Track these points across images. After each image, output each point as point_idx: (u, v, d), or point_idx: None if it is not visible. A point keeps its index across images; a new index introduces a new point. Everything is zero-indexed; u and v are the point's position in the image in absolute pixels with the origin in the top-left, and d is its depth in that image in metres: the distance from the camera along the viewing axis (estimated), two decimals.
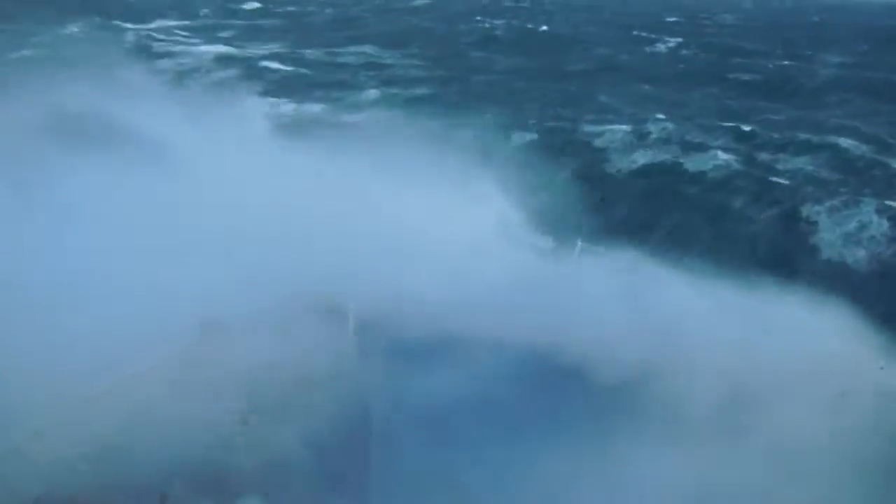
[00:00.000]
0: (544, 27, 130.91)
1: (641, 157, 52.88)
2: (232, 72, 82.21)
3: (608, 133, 58.55)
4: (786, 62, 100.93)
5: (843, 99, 78.31)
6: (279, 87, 76.02)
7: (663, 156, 53.26)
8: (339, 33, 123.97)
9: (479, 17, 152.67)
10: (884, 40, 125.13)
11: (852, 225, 40.16)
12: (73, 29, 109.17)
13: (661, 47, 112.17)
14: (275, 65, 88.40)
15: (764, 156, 54.01)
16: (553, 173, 46.90)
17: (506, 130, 57.10)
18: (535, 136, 57.65)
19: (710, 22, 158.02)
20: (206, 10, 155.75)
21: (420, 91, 76.12)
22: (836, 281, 32.58)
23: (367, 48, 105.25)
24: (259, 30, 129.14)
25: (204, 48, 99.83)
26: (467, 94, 75.08)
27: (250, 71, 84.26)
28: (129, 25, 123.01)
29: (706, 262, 18.45)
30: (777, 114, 70.33)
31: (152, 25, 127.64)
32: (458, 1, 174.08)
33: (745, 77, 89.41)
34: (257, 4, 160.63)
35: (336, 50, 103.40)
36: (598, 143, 56.62)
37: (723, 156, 53.00)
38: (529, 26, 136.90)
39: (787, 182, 48.24)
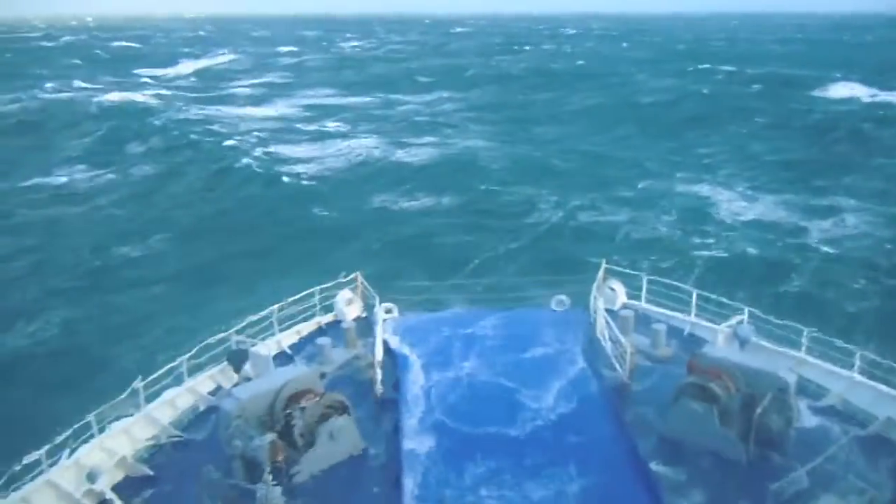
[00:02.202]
0: (581, 61, 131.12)
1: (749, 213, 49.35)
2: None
3: (704, 191, 56.19)
4: (874, 92, 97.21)
5: None
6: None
7: (773, 218, 49.04)
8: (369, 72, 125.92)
9: (515, 46, 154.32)
10: None
11: None
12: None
13: (719, 75, 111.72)
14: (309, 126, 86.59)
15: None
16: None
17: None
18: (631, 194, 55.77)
19: (758, 41, 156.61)
20: (224, 50, 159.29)
21: (485, 143, 75.26)
22: None
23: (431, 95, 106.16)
24: (292, 73, 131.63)
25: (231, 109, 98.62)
26: (538, 144, 74.48)
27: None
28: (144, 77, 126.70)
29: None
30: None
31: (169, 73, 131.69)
32: (495, 31, 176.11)
33: (835, 109, 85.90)
34: (289, 48, 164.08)
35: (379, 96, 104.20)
36: (694, 201, 53.56)
37: (850, 219, 48.37)
38: (574, 57, 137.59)
39: None
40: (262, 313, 19.20)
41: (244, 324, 18.45)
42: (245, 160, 65.46)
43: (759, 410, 14.70)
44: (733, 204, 52.18)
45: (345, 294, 21.07)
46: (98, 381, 29.31)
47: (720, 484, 14.23)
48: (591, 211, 51.10)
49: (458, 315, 21.20)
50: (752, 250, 43.06)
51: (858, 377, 16.67)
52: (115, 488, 14.52)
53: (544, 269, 39.60)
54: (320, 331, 20.49)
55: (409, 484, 14.28)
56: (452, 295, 21.79)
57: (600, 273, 21.09)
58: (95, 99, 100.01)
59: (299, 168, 64.30)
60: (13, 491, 13.74)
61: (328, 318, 21.03)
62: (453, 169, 62.70)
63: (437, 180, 58.91)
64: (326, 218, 50.96)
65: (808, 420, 15.81)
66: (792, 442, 14.96)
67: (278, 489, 12.87)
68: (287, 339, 19.94)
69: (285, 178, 60.81)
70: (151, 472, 15.11)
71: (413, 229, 47.95)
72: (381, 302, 20.53)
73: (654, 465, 14.74)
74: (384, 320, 19.70)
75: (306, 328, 20.57)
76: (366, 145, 72.85)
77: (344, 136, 78.41)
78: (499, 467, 14.82)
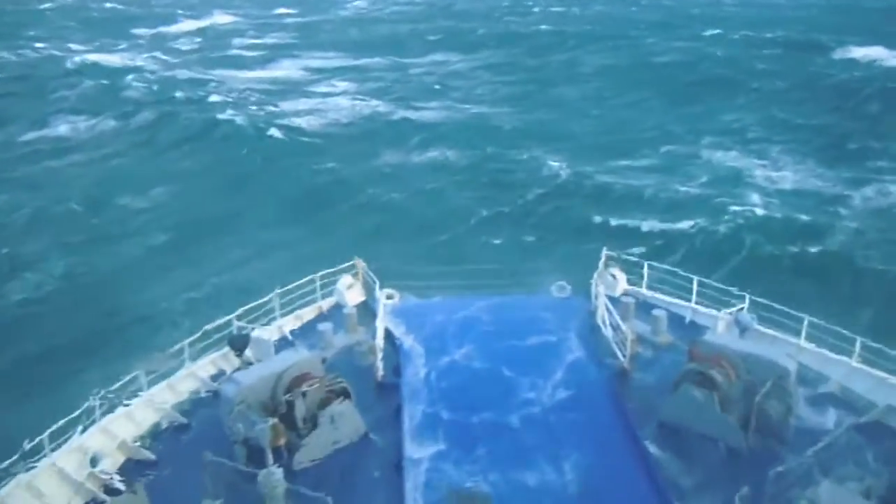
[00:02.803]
0: (589, 26, 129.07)
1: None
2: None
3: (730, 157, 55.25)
4: None
5: None
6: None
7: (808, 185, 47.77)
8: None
9: (521, 8, 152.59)
10: None
11: None
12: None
13: (735, 36, 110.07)
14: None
15: None
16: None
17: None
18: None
19: (773, 5, 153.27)
20: (224, 10, 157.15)
21: (496, 106, 74.91)
22: None
23: (439, 55, 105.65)
24: (296, 34, 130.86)
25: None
26: (551, 105, 73.98)
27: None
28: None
29: None
30: None
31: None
32: None
33: (860, 72, 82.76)
34: (291, 9, 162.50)
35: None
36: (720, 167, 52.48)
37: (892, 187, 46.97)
38: (583, 20, 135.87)
39: None
40: (264, 298, 19.66)
41: (245, 308, 18.90)
42: (246, 120, 66.20)
43: (758, 398, 15.14)
44: (762, 169, 51.92)
45: (346, 279, 21.54)
46: (100, 336, 31.55)
47: (720, 470, 14.71)
48: (608, 175, 51.25)
49: (458, 301, 21.62)
50: (787, 218, 42.81)
51: (858, 364, 17.11)
52: (118, 472, 15.09)
53: (556, 232, 41.09)
54: (321, 316, 21.00)
55: (410, 468, 14.83)
56: (453, 280, 22.13)
57: (601, 260, 21.45)
58: (80, 59, 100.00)
59: (302, 128, 65.26)
60: (17, 474, 14.31)
61: (329, 303, 21.52)
62: (462, 131, 62.88)
63: (445, 141, 59.39)
64: (330, 174, 52.42)
65: (808, 407, 16.24)
66: (791, 429, 15.42)
67: (280, 473, 13.36)
68: (288, 324, 20.45)
69: (287, 137, 61.96)
70: (154, 457, 15.67)
71: (420, 188, 49.15)
72: (381, 287, 21.03)
73: (654, 452, 15.24)
74: (385, 305, 20.14)
75: (307, 313, 21.09)
76: (372, 106, 73.22)
77: (348, 97, 78.60)
78: (499, 452, 15.34)
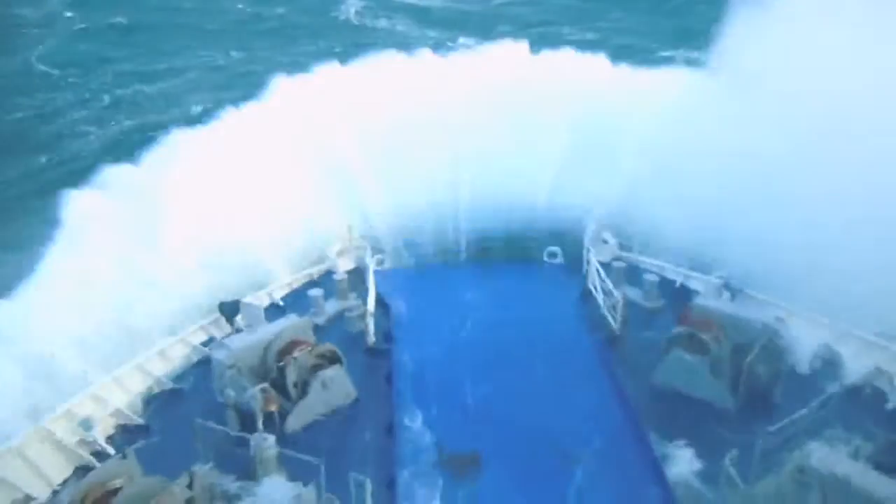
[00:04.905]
0: None
1: None
2: None
3: None
4: None
5: None
6: None
7: None
8: None
9: None
10: None
11: None
12: None
13: None
14: None
15: None
16: None
17: None
18: None
19: None
20: None
21: None
22: None
23: None
24: None
25: None
26: None
27: None
28: None
29: None
30: None
31: None
32: None
33: None
34: None
35: None
36: None
37: None
38: None
39: None
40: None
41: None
42: None
43: (748, 360, 15.75)
44: None
45: (336, 245, 22.04)
46: None
47: (709, 432, 15.32)
48: None
49: (450, 267, 22.24)
50: None
51: (847, 326, 17.72)
52: (109, 438, 15.62)
53: None
54: (311, 282, 21.51)
55: (402, 432, 15.44)
56: (445, 246, 22.59)
57: (592, 225, 21.98)
58: None
59: None
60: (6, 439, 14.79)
61: (319, 269, 22.03)
62: None
63: None
64: None
65: (797, 369, 16.86)
66: (780, 391, 16.07)
67: (272, 438, 13.72)
68: (278, 290, 20.97)
69: None
70: (144, 423, 16.21)
71: None
72: (372, 253, 21.55)
73: (644, 415, 15.88)
74: (375, 271, 20.65)
75: (297, 279, 21.61)
76: None
77: None
78: (490, 416, 15.96)
